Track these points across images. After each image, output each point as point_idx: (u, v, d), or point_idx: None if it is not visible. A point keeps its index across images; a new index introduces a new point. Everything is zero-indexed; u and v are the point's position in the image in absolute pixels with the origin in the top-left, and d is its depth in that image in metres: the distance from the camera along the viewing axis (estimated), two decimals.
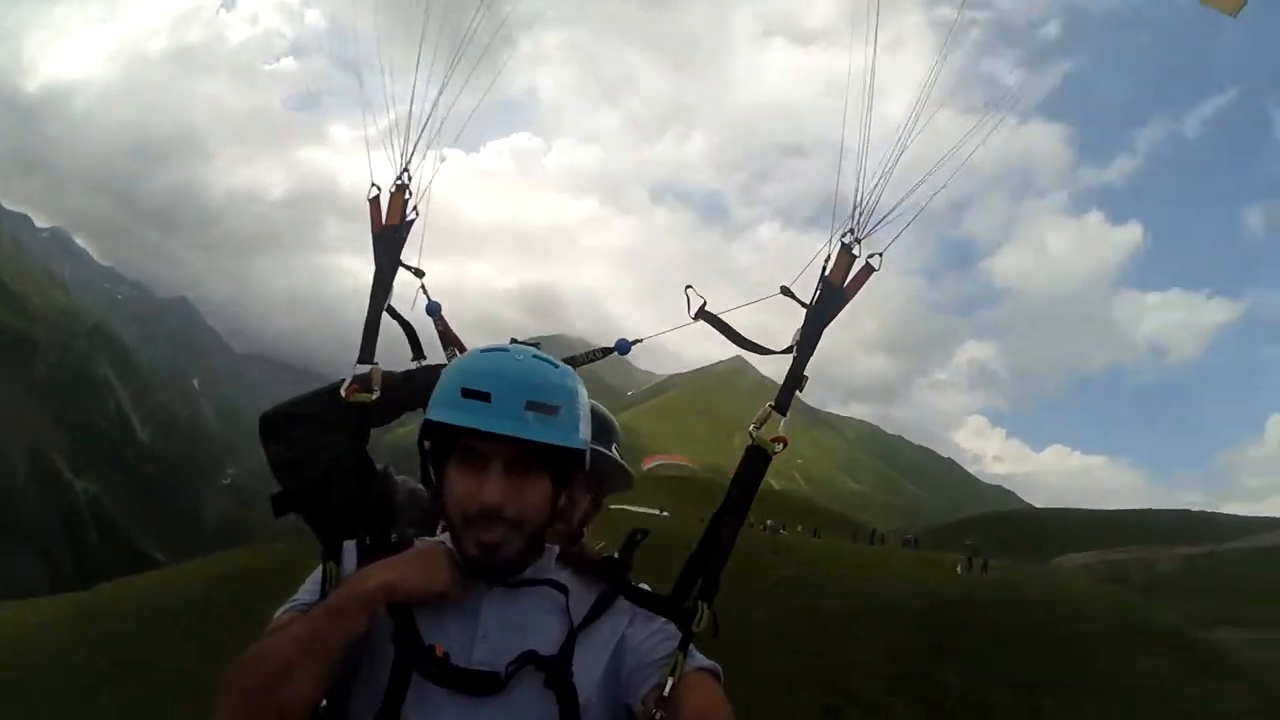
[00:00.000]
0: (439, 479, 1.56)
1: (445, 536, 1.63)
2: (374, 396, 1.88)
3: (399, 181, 2.09)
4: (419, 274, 2.16)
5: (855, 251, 1.89)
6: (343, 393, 1.88)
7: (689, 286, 2.00)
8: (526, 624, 1.51)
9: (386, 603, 1.46)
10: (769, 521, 47.74)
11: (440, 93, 2.11)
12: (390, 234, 2.06)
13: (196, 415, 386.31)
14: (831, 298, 1.90)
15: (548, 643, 1.48)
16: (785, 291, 1.92)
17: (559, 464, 1.53)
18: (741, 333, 2.04)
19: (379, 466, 2.08)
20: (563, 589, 1.56)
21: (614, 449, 2.30)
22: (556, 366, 1.57)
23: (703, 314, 2.01)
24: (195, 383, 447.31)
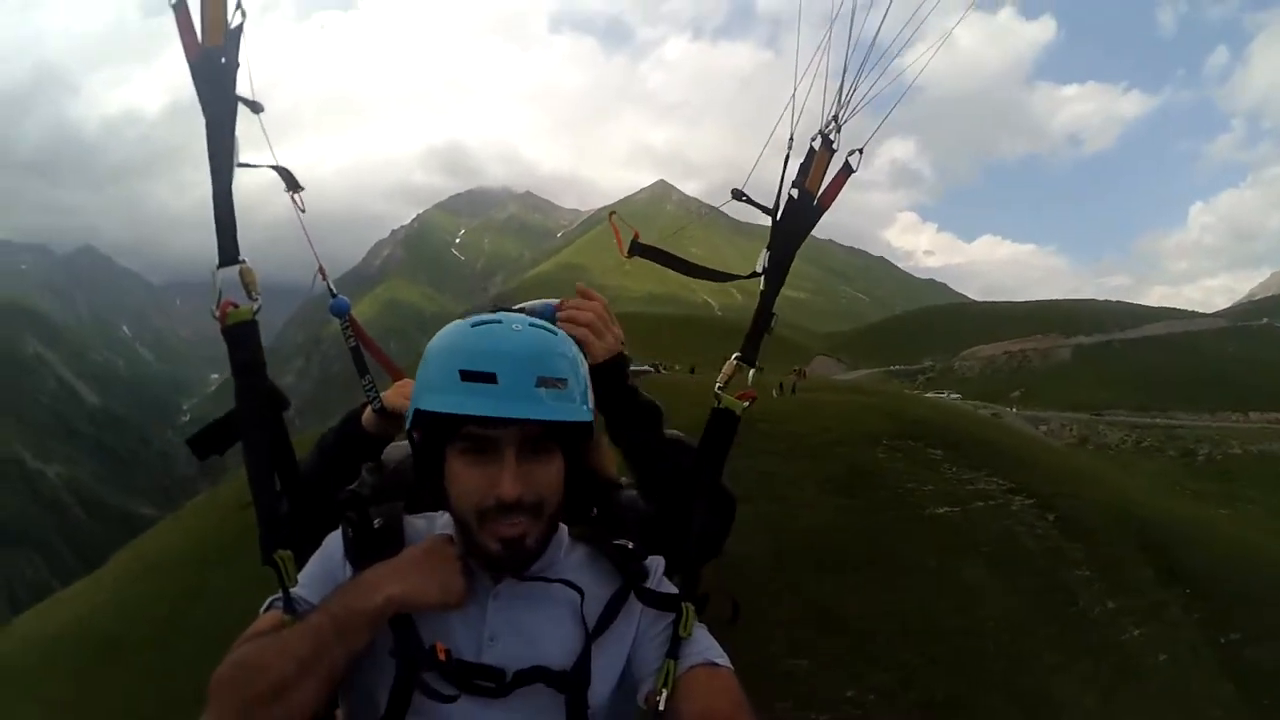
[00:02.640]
0: (438, 472, 1.41)
1: (443, 519, 1.50)
2: (256, 308, 1.47)
3: None
4: (256, 109, 1.46)
5: (836, 145, 1.55)
6: (215, 314, 1.44)
7: (613, 213, 1.76)
8: (537, 628, 1.41)
9: (393, 616, 1.34)
10: (648, 365, 44.21)
11: None
12: (212, 61, 1.42)
13: (136, 363, 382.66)
14: (805, 209, 1.58)
15: (560, 654, 1.39)
16: (740, 196, 1.60)
17: (568, 437, 1.41)
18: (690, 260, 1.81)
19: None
20: (578, 590, 1.43)
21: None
22: (555, 333, 1.42)
23: (637, 248, 1.71)
24: (125, 329, 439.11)
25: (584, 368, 1.45)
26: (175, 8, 1.43)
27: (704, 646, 1.45)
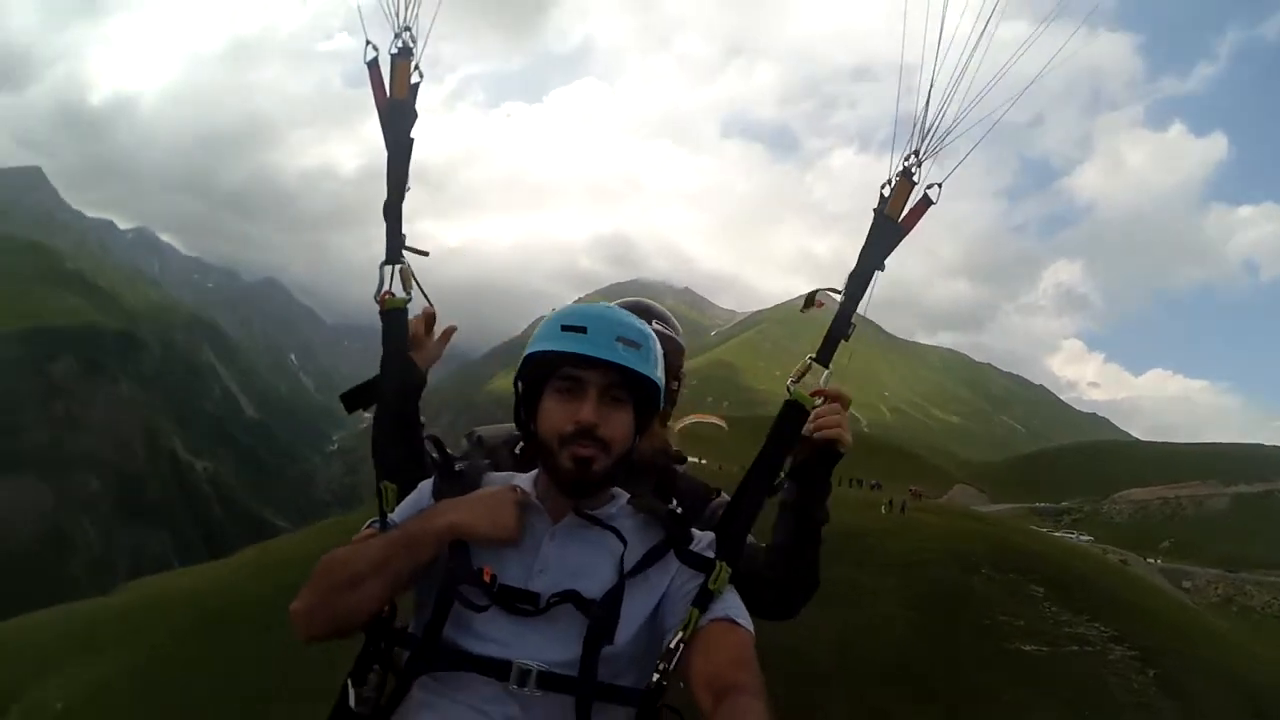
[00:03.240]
0: (533, 412, 1.68)
1: (525, 477, 1.75)
2: (408, 298, 1.89)
3: (400, 44, 1.90)
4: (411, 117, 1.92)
5: (916, 177, 1.78)
6: (377, 300, 1.88)
7: (808, 307, 1.92)
8: (581, 565, 1.60)
9: (452, 539, 1.58)
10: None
11: None
12: (397, 108, 1.90)
13: (297, 389, 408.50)
14: (885, 232, 1.81)
15: (595, 588, 1.56)
16: (879, 268, 1.82)
17: (641, 400, 1.67)
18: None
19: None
20: (623, 540, 1.62)
21: (654, 324, 2.16)
22: (638, 319, 1.72)
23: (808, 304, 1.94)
24: (293, 358, 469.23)
25: (658, 350, 1.72)
26: (369, 65, 1.90)
27: (729, 604, 1.61)
